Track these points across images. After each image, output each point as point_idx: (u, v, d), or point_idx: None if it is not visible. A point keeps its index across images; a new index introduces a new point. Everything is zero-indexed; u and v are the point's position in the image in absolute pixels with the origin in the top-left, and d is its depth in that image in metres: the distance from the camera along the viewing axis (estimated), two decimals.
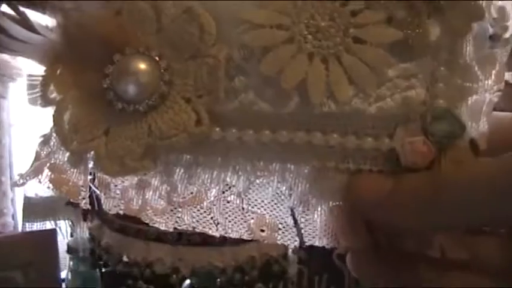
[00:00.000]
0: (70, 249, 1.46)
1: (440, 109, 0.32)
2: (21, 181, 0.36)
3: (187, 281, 1.51)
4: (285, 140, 0.33)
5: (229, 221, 0.34)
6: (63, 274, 1.49)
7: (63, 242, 1.47)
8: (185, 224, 0.34)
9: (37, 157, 0.35)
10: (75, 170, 0.35)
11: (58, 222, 1.52)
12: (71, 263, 1.47)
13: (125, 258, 1.33)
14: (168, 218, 0.34)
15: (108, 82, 0.34)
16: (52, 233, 1.50)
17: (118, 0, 0.35)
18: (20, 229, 1.60)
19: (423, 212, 0.30)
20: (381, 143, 0.32)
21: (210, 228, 0.34)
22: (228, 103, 0.33)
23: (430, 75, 0.33)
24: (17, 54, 0.37)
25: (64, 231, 1.54)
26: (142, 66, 0.34)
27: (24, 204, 1.57)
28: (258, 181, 0.34)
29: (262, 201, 0.34)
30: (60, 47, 0.36)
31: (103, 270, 1.48)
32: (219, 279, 1.53)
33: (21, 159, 1.75)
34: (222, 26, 0.33)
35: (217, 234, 0.34)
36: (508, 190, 0.28)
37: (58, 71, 0.35)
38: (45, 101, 0.35)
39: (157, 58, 0.34)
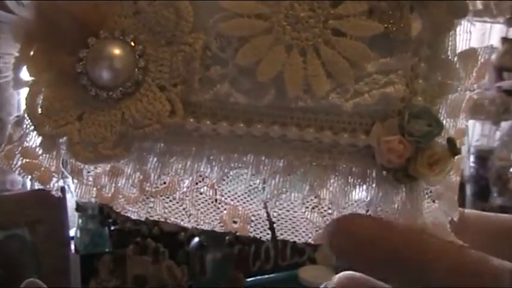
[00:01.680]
0: (79, 207, 1.47)
1: (418, 107, 0.31)
2: None
3: (196, 239, 1.52)
4: (259, 133, 0.32)
5: (202, 213, 0.34)
6: (72, 232, 1.49)
7: (71, 200, 1.46)
8: (157, 214, 0.34)
9: (9, 140, 0.34)
10: (48, 155, 0.34)
11: (67, 180, 1.51)
12: (80, 220, 1.47)
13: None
14: (140, 207, 0.34)
15: (82, 67, 0.33)
16: (61, 191, 1.49)
17: None
18: (28, 187, 1.60)
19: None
20: (357, 139, 0.32)
21: (182, 220, 0.34)
22: (203, 93, 0.32)
23: (410, 71, 0.32)
24: None
25: (73, 189, 1.53)
26: (117, 51, 0.33)
27: None
28: (232, 173, 0.33)
29: (236, 193, 0.34)
30: (33, 25, 0.35)
31: (112, 228, 1.50)
32: (227, 237, 1.55)
33: None
34: (200, 14, 0.32)
35: (189, 226, 0.34)
36: None
37: (31, 52, 0.34)
38: (17, 83, 0.34)
39: (132, 43, 0.33)
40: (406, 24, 0.32)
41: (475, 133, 2.44)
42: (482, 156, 2.34)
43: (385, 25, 0.32)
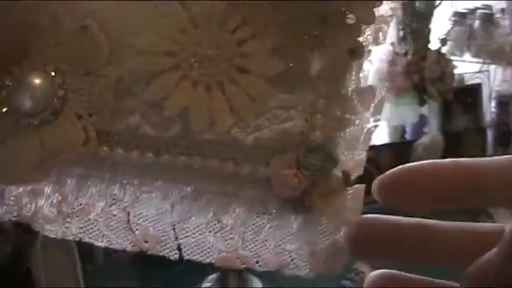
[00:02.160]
0: None
1: (314, 143, 0.34)
2: None
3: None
4: (166, 162, 0.34)
5: (114, 233, 0.37)
6: None
7: None
8: (72, 234, 0.36)
9: None
10: None
11: None
12: None
13: None
14: (57, 226, 0.36)
15: (4, 94, 0.35)
16: None
17: (18, 10, 0.36)
18: None
19: None
20: (257, 170, 0.34)
21: (96, 240, 0.36)
22: (115, 124, 0.34)
23: (309, 107, 0.34)
24: None
25: None
26: (38, 81, 0.35)
27: None
28: (143, 196, 0.36)
29: (147, 215, 0.36)
30: None
31: None
32: None
33: None
34: (115, 48, 0.34)
35: (102, 245, 0.36)
36: None
37: None
38: None
39: (53, 73, 0.35)
40: (306, 62, 0.34)
41: (497, 78, 2.44)
42: (504, 102, 2.35)
43: (287, 63, 0.34)
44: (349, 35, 0.34)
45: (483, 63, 2.36)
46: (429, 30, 2.18)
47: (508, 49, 2.22)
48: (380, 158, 2.18)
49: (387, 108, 2.12)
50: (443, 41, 2.24)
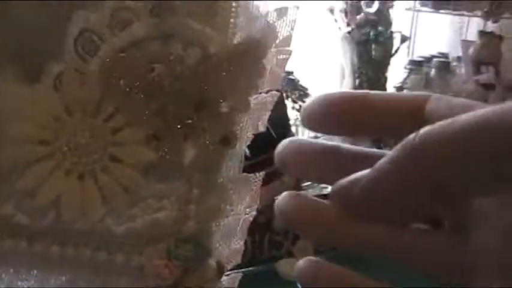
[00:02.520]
0: None
1: (186, 233, 0.34)
2: None
3: None
4: (39, 252, 0.34)
5: None
6: None
7: None
8: None
9: None
10: None
11: None
12: None
13: None
14: None
15: None
16: None
17: None
18: None
19: None
20: (130, 260, 0.34)
21: None
22: None
23: (183, 196, 0.34)
24: None
25: None
26: None
27: None
28: (19, 285, 0.35)
29: None
30: None
31: None
32: None
33: None
34: None
35: None
36: None
37: None
38: None
39: None
40: (179, 153, 0.34)
41: None
42: None
43: (160, 153, 0.34)
44: (223, 124, 0.34)
45: None
46: (386, 79, 2.20)
47: (464, 97, 2.26)
48: None
49: None
50: (400, 89, 2.27)
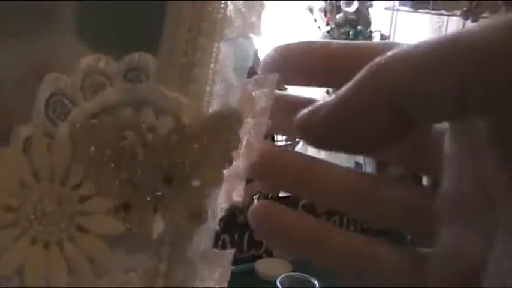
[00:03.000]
0: None
1: None
2: None
3: None
4: None
5: None
6: None
7: None
8: None
9: None
10: None
11: None
12: None
13: None
14: None
15: None
16: None
17: None
18: None
19: None
20: None
21: None
22: None
23: (151, 270, 0.33)
24: None
25: None
26: None
27: None
28: None
29: None
30: None
31: None
32: None
33: None
34: None
35: None
36: None
37: None
38: None
39: None
40: (148, 225, 0.33)
41: None
42: None
43: (128, 224, 0.33)
44: (194, 198, 0.33)
45: None
46: None
47: None
48: None
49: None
50: None
